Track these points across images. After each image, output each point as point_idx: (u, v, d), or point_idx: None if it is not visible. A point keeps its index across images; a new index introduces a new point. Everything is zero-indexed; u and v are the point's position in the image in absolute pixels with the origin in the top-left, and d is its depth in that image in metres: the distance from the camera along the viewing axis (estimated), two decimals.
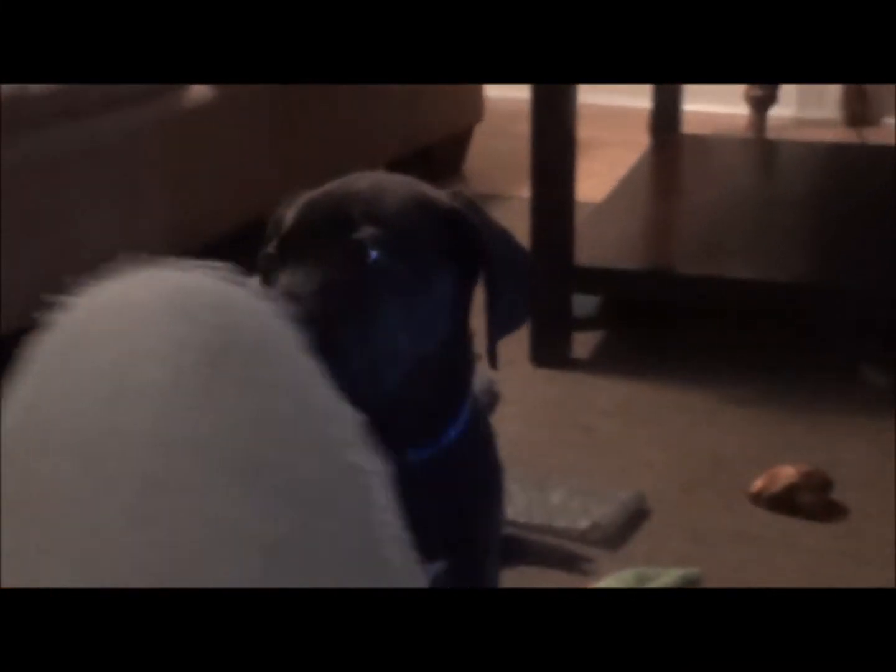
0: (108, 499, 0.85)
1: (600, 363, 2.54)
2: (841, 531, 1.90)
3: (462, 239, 1.25)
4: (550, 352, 2.50)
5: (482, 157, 3.77)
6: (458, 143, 3.68)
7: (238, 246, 1.69)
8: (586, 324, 2.66)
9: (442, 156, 3.63)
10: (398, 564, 0.96)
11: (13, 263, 2.26)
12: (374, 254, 1.20)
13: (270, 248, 1.22)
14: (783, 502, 1.93)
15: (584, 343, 2.59)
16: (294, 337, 0.92)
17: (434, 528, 1.28)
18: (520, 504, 1.99)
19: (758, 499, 1.96)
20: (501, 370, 2.42)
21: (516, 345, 2.47)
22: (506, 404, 2.33)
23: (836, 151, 3.42)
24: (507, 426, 2.24)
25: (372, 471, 0.94)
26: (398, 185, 1.27)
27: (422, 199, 1.25)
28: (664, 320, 2.64)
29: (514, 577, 1.79)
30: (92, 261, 2.51)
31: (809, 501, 1.93)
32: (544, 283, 2.44)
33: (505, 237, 1.32)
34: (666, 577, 1.72)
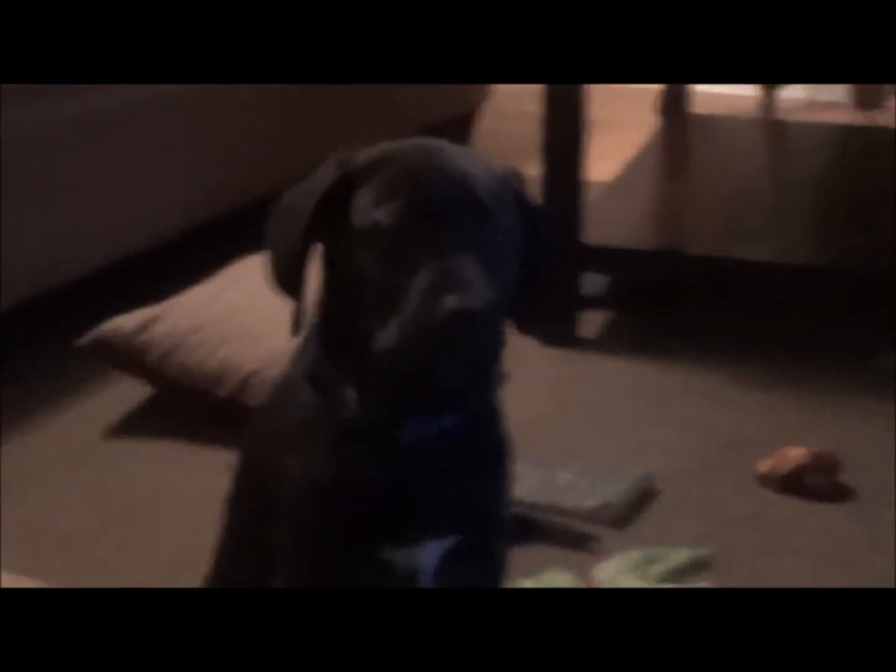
0: None
1: (608, 343, 2.52)
2: (849, 512, 1.89)
3: (522, 218, 1.28)
4: (557, 334, 2.47)
5: (489, 136, 3.75)
6: (464, 122, 3.66)
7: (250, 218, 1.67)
8: (595, 303, 2.64)
9: (448, 135, 3.60)
10: None
11: (17, 235, 2.24)
12: (500, 239, 1.23)
13: (383, 215, 1.20)
14: (792, 483, 1.92)
15: (592, 322, 2.57)
16: None
17: (444, 504, 1.31)
18: (528, 484, 1.97)
19: (766, 480, 1.95)
20: (508, 349, 2.38)
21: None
22: (512, 383, 2.32)
23: (846, 133, 3.40)
24: (514, 406, 2.24)
25: None
26: (478, 160, 1.28)
27: (502, 177, 1.27)
28: (674, 301, 2.62)
29: (522, 558, 1.80)
30: (100, 233, 2.49)
31: (818, 483, 1.92)
32: (553, 262, 2.41)
33: (542, 215, 1.34)
34: (676, 557, 1.72)
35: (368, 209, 1.23)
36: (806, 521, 1.89)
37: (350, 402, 1.28)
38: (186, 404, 2.15)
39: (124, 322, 2.13)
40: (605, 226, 2.52)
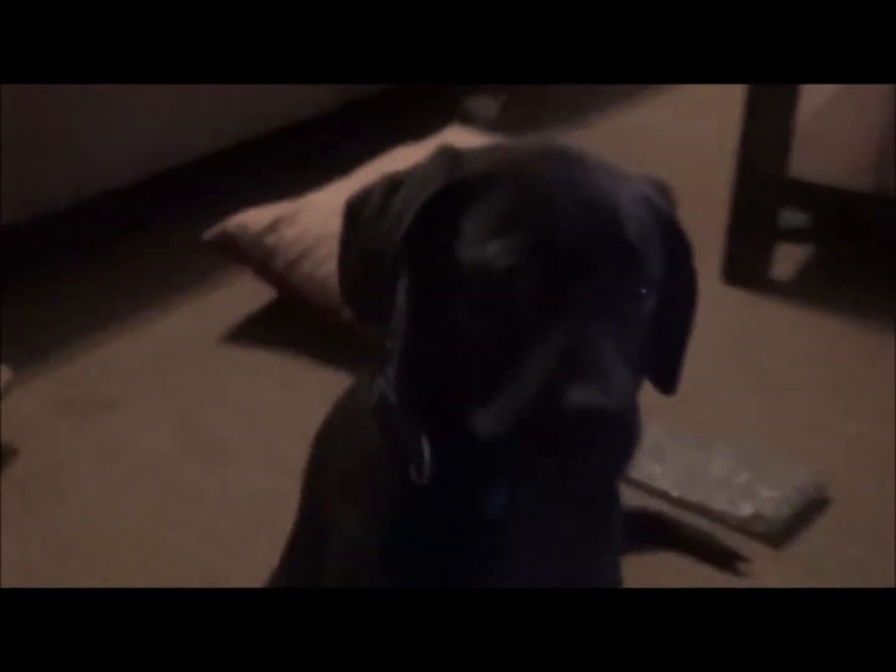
0: None
1: (800, 288, 2.32)
2: None
3: (670, 252, 1.09)
4: (746, 269, 2.30)
5: None
6: None
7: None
8: (793, 236, 2.43)
9: None
10: None
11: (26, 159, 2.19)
12: (652, 293, 1.03)
13: (508, 255, 0.98)
14: None
15: (787, 260, 2.37)
16: None
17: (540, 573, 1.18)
18: (678, 469, 1.83)
19: None
20: None
21: (703, 258, 2.28)
22: None
23: None
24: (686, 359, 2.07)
25: None
26: (621, 177, 1.07)
27: (652, 205, 1.07)
28: (883, 242, 2.36)
29: (649, 566, 1.70)
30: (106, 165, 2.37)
31: None
32: (749, 192, 2.24)
33: (691, 248, 1.13)
34: None
35: (480, 239, 1.01)
36: None
37: (423, 460, 1.11)
38: (307, 318, 2.03)
39: (252, 219, 2.00)
40: (811, 159, 2.31)
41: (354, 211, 1.12)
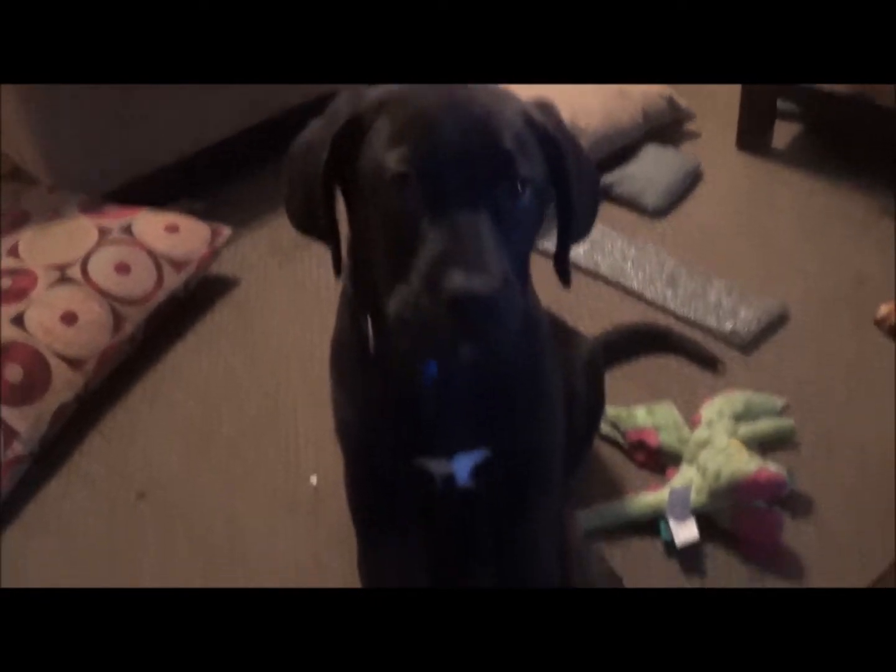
0: None
1: (794, 156, 2.67)
2: None
3: (549, 158, 1.16)
4: (754, 140, 2.66)
5: None
6: None
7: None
8: (787, 117, 2.75)
9: None
10: None
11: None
12: (527, 191, 1.09)
13: (397, 164, 1.06)
14: None
15: (783, 135, 2.71)
16: None
17: (470, 423, 1.33)
18: (683, 292, 2.24)
19: (881, 324, 2.16)
20: (711, 151, 2.57)
21: (728, 128, 2.73)
22: (705, 185, 2.62)
23: None
24: (699, 207, 2.50)
25: None
26: (506, 97, 1.14)
27: (529, 118, 1.14)
28: (860, 128, 2.63)
29: (648, 378, 2.03)
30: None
31: None
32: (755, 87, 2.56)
33: (578, 150, 1.22)
34: (762, 426, 1.91)
35: (377, 155, 1.08)
36: None
37: (369, 337, 1.22)
38: None
39: None
40: None
41: (290, 156, 1.22)
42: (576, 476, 1.81)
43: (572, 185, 1.16)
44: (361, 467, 1.43)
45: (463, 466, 1.39)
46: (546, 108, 1.17)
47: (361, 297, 1.20)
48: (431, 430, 1.31)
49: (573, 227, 1.20)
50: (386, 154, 1.06)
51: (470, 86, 1.11)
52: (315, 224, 1.17)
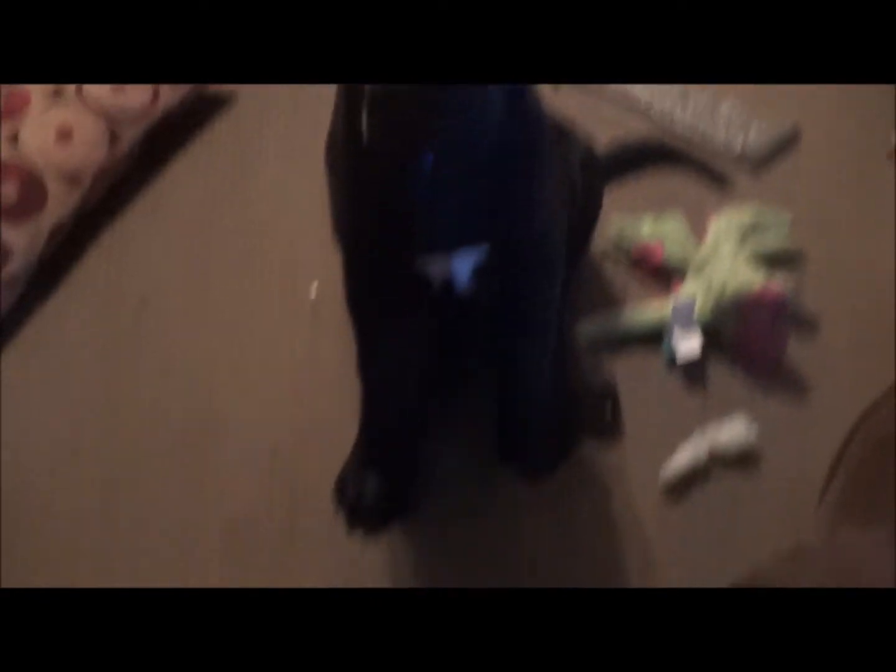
0: None
1: None
2: None
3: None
4: None
5: None
6: None
7: None
8: None
9: None
10: None
11: None
12: None
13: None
14: None
15: None
16: None
17: (468, 215, 1.35)
18: (693, 107, 2.21)
19: (893, 156, 2.11)
20: None
21: None
22: None
23: None
24: None
25: None
26: None
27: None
28: None
29: (650, 192, 2.02)
30: None
31: None
32: None
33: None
34: (769, 241, 1.90)
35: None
36: None
37: (365, 130, 1.23)
38: None
39: None
40: None
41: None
42: (575, 276, 1.81)
43: None
44: (360, 269, 1.44)
45: (463, 265, 1.39)
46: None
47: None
48: (428, 223, 1.32)
49: None
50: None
51: None
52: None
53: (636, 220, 1.96)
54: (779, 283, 1.76)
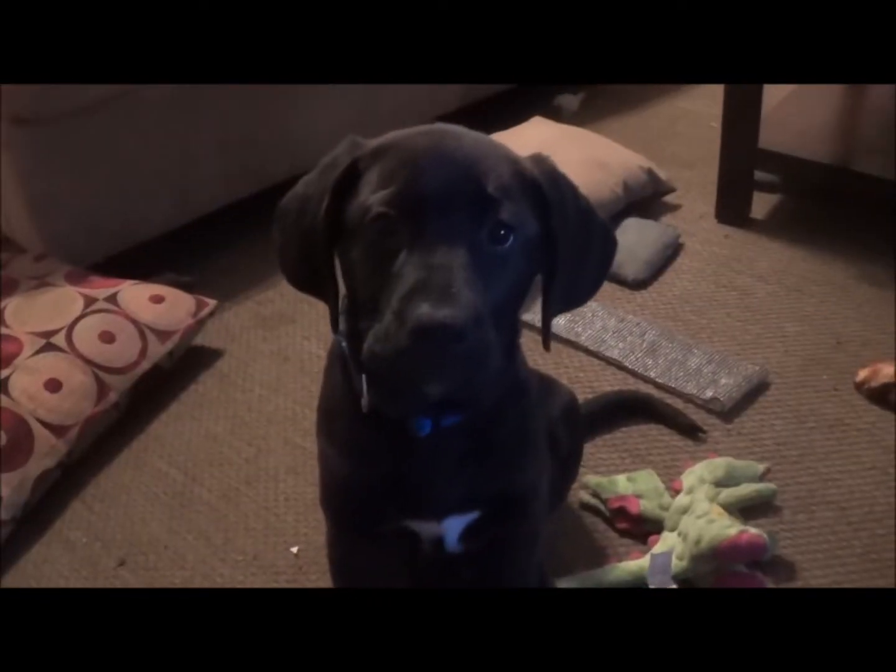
0: None
1: (773, 225, 2.72)
2: None
3: (537, 208, 1.14)
4: (733, 212, 2.71)
5: None
6: None
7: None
8: (765, 188, 2.81)
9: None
10: None
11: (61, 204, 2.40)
12: (511, 237, 1.09)
13: (380, 204, 1.07)
14: (879, 396, 2.15)
15: (762, 205, 2.77)
16: None
17: (461, 486, 1.32)
18: (663, 361, 2.25)
19: (860, 388, 2.18)
20: (691, 223, 2.57)
21: (707, 201, 2.79)
22: (685, 256, 2.65)
23: None
24: (679, 278, 2.53)
25: None
26: (495, 147, 1.15)
27: (518, 169, 1.14)
28: (839, 195, 2.70)
29: (630, 445, 2.02)
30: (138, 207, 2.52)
31: None
32: (732, 158, 2.63)
33: (581, 212, 1.20)
34: (743, 491, 1.89)
35: (363, 199, 1.10)
36: (883, 436, 2.05)
37: (363, 393, 1.21)
38: None
39: None
40: (779, 133, 2.64)
41: (282, 212, 1.20)
42: (551, 521, 1.79)
43: (560, 243, 1.14)
44: (346, 528, 1.42)
45: (453, 529, 1.39)
46: (541, 160, 1.17)
47: (355, 352, 1.17)
48: (423, 491, 1.30)
49: (555, 289, 1.17)
50: (371, 196, 1.08)
51: (462, 133, 1.13)
52: (312, 278, 1.16)
53: (612, 477, 1.97)
54: (754, 533, 1.75)
